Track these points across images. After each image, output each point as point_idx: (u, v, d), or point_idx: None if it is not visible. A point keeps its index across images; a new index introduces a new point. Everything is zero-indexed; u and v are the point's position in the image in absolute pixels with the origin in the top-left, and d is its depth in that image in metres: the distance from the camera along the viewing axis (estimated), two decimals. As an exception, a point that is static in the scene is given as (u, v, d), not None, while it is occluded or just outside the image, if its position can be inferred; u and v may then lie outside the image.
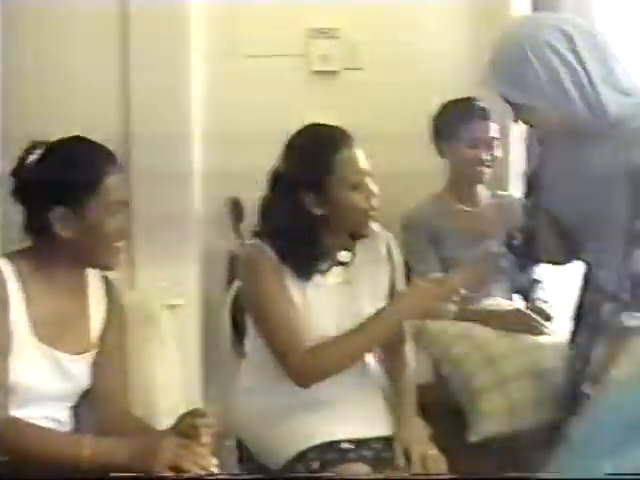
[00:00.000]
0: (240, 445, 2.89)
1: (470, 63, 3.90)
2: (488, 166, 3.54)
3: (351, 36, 3.83)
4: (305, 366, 2.65)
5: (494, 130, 3.54)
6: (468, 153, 3.52)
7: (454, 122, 3.54)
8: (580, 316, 2.74)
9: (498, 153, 3.56)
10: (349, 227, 2.76)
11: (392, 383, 2.90)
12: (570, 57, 2.43)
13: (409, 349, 2.94)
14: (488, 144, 3.52)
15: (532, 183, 2.83)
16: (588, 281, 2.72)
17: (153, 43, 3.55)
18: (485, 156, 3.51)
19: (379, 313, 2.68)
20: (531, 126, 2.73)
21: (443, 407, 3.04)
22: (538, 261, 3.01)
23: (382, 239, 2.88)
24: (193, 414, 2.34)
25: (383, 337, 2.72)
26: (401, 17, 3.85)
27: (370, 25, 3.82)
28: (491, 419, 3.01)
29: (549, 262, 2.99)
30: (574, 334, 2.74)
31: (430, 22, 3.93)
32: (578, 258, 2.78)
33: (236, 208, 3.82)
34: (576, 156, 2.56)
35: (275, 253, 2.69)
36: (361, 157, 2.71)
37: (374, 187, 2.70)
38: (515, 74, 2.47)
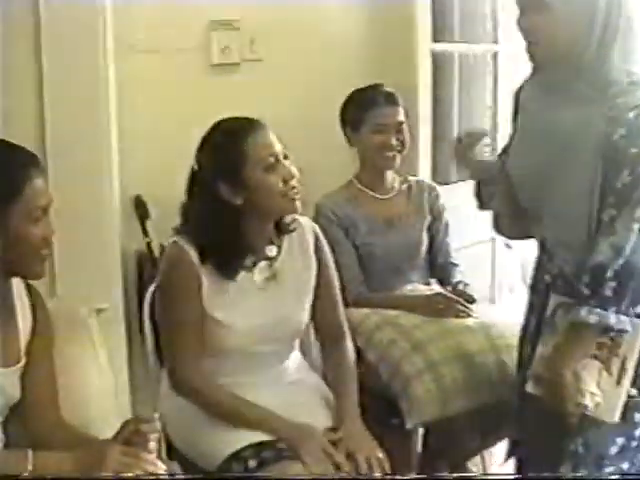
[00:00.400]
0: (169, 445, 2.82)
1: (370, 52, 3.94)
2: (398, 151, 3.50)
3: (251, 28, 3.78)
4: (181, 384, 2.68)
5: (400, 115, 3.50)
6: (375, 139, 3.48)
7: (360, 109, 3.51)
8: (531, 305, 2.66)
9: (406, 138, 3.53)
10: (271, 212, 2.69)
11: (333, 378, 2.85)
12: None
13: (350, 344, 2.90)
14: (395, 129, 3.49)
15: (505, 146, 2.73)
16: (542, 267, 2.61)
17: (64, 43, 3.42)
18: (392, 141, 3.47)
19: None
20: (530, 46, 2.44)
21: (371, 393, 2.98)
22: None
23: (309, 230, 2.83)
24: (136, 421, 2.26)
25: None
26: (301, 8, 3.83)
27: (270, 16, 3.78)
28: (425, 404, 3.01)
29: (498, 231, 2.83)
30: (526, 321, 2.69)
31: (330, 12, 3.91)
32: (530, 237, 2.68)
33: (140, 206, 3.75)
34: (552, 113, 2.42)
35: (196, 251, 2.63)
36: (274, 140, 2.66)
37: (292, 169, 2.66)
38: None
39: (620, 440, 2.41)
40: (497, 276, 4.37)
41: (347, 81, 3.74)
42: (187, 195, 2.70)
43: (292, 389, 2.77)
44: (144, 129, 3.66)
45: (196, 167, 2.68)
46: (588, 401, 2.35)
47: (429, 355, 3.07)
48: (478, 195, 2.76)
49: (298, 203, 2.67)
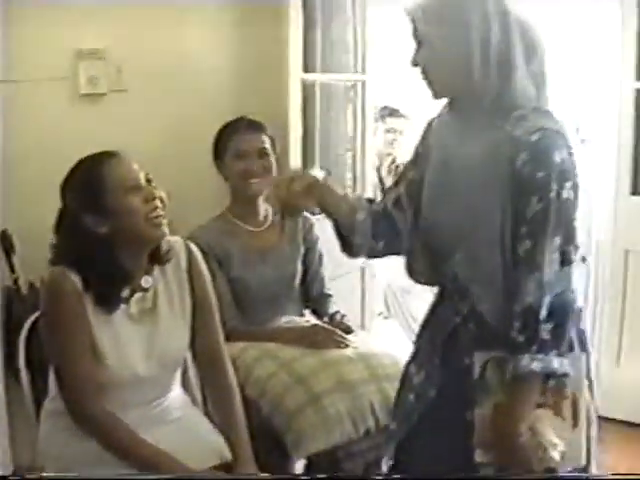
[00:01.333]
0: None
1: (241, 82, 3.93)
2: (263, 178, 3.49)
3: (117, 57, 3.72)
4: (83, 419, 2.60)
5: (263, 141, 3.50)
6: (237, 165, 3.49)
7: (223, 138, 3.53)
8: (445, 358, 2.45)
9: (271, 165, 3.51)
10: (137, 239, 2.64)
11: (217, 408, 2.83)
12: (495, 20, 2.25)
13: (230, 368, 2.86)
14: (257, 155, 3.48)
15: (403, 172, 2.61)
16: (449, 306, 2.45)
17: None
18: (254, 167, 3.47)
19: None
20: (428, 80, 2.37)
21: (252, 427, 2.93)
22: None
23: (181, 249, 2.79)
24: None
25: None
26: (170, 37, 3.80)
27: (137, 45, 3.73)
28: (310, 437, 3.01)
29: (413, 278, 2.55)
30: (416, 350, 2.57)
31: (200, 42, 3.89)
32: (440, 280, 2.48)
33: (5, 241, 3.63)
34: (462, 146, 2.33)
35: (78, 278, 2.58)
36: (135, 167, 2.63)
37: (155, 190, 2.63)
38: (432, 6, 2.30)
39: None
40: (367, 303, 4.41)
41: (218, 111, 3.76)
42: (56, 233, 2.65)
43: (176, 426, 2.73)
44: (8, 161, 3.54)
45: (61, 204, 2.64)
46: (554, 453, 2.26)
47: (311, 387, 3.07)
48: (343, 242, 2.58)
49: (164, 228, 2.64)
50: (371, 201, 2.59)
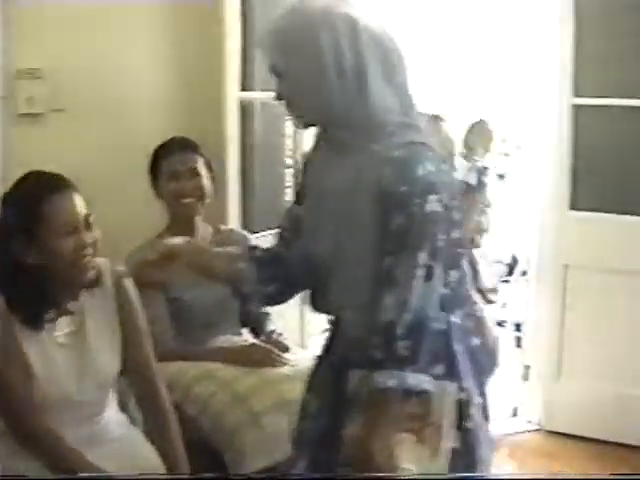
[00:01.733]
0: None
1: (179, 101, 3.93)
2: (197, 198, 3.50)
3: (55, 77, 3.69)
4: (26, 441, 2.59)
5: (195, 161, 3.51)
6: (170, 186, 3.50)
7: (157, 159, 3.55)
8: (324, 381, 2.45)
9: (205, 185, 3.52)
10: (61, 277, 2.64)
11: (152, 426, 2.83)
12: (348, 45, 2.20)
13: (163, 387, 2.86)
14: (190, 175, 3.49)
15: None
16: (336, 336, 2.45)
17: None
18: (187, 188, 3.48)
19: None
20: (292, 113, 2.37)
21: (191, 446, 2.93)
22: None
23: (107, 273, 2.77)
24: None
25: None
26: (107, 56, 3.78)
27: (74, 64, 3.70)
28: (250, 456, 3.01)
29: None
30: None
31: (134, 59, 3.89)
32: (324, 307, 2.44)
33: None
34: (334, 173, 2.29)
35: (5, 303, 2.58)
36: (77, 204, 2.62)
37: (91, 234, 2.63)
38: (284, 40, 2.26)
39: None
40: (305, 321, 4.41)
41: (156, 127, 3.75)
42: None
43: (114, 446, 2.72)
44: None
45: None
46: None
47: (251, 407, 3.08)
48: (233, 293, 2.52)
49: (91, 272, 2.65)
50: (255, 248, 2.53)
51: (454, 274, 2.29)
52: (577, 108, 4.60)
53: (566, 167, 4.65)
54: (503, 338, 5.93)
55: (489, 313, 5.94)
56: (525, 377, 5.06)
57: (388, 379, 2.12)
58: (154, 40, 3.93)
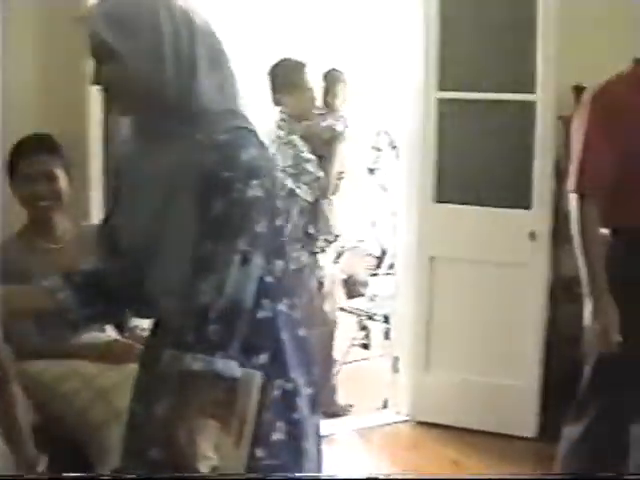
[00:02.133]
0: None
1: (41, 100, 3.86)
2: (53, 200, 3.43)
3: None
4: None
5: (51, 163, 3.42)
6: (24, 188, 3.43)
7: (13, 160, 3.46)
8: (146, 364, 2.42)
9: (61, 187, 3.43)
10: None
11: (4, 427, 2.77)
12: (184, 30, 2.19)
13: (17, 389, 2.81)
14: (45, 178, 3.41)
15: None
16: (159, 324, 2.40)
17: None
18: (42, 190, 3.40)
19: None
20: (114, 98, 2.29)
21: (57, 442, 2.95)
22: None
23: None
24: None
25: None
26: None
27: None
28: (114, 451, 2.94)
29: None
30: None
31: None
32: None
33: None
34: (153, 162, 2.24)
35: None
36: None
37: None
38: (121, 18, 2.17)
39: None
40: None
41: (19, 127, 3.63)
42: None
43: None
44: None
45: None
46: (202, 467, 2.14)
47: (114, 403, 3.04)
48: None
49: None
50: (74, 274, 2.46)
51: (280, 263, 2.29)
52: (441, 102, 4.67)
53: (431, 160, 4.72)
54: (373, 330, 6.01)
55: (360, 305, 6.03)
56: (395, 369, 5.11)
57: (195, 362, 2.08)
58: (24, 35, 3.89)
